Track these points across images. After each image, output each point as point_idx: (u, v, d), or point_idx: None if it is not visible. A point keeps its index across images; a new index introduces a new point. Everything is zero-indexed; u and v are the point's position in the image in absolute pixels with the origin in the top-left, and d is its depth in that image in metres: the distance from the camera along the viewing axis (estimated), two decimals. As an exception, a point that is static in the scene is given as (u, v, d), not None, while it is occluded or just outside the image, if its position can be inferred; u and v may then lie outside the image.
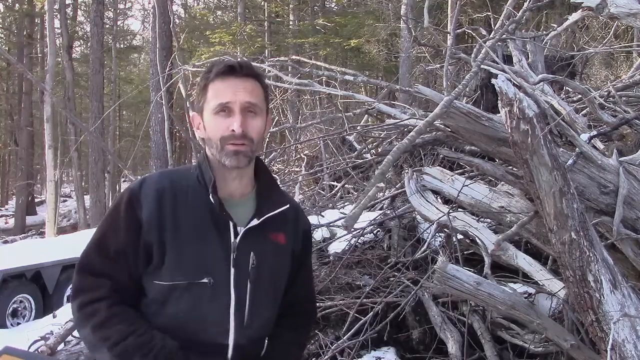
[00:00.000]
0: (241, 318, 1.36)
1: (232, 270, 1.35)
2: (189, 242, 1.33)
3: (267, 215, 1.39)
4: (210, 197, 1.33)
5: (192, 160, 13.74)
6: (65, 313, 5.10)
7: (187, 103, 8.65)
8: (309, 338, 1.80)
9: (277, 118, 8.20)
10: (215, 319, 1.34)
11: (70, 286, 1.41)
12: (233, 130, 1.33)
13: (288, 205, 1.45)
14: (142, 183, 1.37)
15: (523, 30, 4.84)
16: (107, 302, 1.31)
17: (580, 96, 3.80)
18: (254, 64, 1.48)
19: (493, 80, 2.09)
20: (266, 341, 1.46)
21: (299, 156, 7.42)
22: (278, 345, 1.48)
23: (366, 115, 6.36)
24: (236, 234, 1.36)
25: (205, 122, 1.38)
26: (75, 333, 3.44)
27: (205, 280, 1.32)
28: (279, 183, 1.50)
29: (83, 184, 17.60)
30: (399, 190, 4.34)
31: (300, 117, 9.43)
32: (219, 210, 1.34)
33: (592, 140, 2.77)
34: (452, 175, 3.22)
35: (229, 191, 1.39)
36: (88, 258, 1.37)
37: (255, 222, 1.38)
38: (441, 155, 4.31)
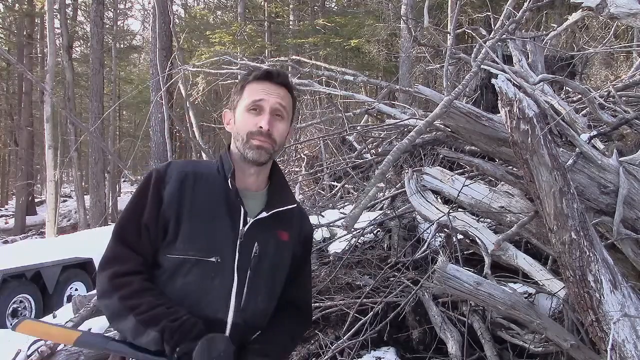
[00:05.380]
0: (239, 300, 1.44)
1: (237, 254, 1.44)
2: (203, 221, 1.43)
3: (275, 210, 1.50)
4: (229, 183, 1.45)
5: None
6: (65, 313, 5.10)
7: (187, 103, 8.65)
8: (301, 337, 1.86)
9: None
10: (218, 296, 1.42)
11: (98, 265, 1.45)
12: (261, 127, 1.46)
13: (295, 205, 1.57)
14: (168, 165, 1.50)
15: (523, 30, 4.84)
16: (141, 277, 1.40)
17: (580, 96, 3.80)
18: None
19: (493, 80, 2.09)
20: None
21: (299, 156, 7.42)
22: (269, 332, 1.53)
23: (366, 115, 6.36)
24: (245, 223, 1.46)
25: (236, 117, 1.52)
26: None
27: (213, 259, 1.41)
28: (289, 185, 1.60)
29: (83, 184, 17.64)
30: (399, 190, 4.34)
31: (300, 117, 9.42)
32: (234, 196, 1.45)
33: (592, 140, 2.77)
34: (452, 175, 3.22)
35: (245, 184, 1.51)
36: (124, 228, 1.45)
37: (264, 214, 1.48)
38: (441, 155, 4.31)
